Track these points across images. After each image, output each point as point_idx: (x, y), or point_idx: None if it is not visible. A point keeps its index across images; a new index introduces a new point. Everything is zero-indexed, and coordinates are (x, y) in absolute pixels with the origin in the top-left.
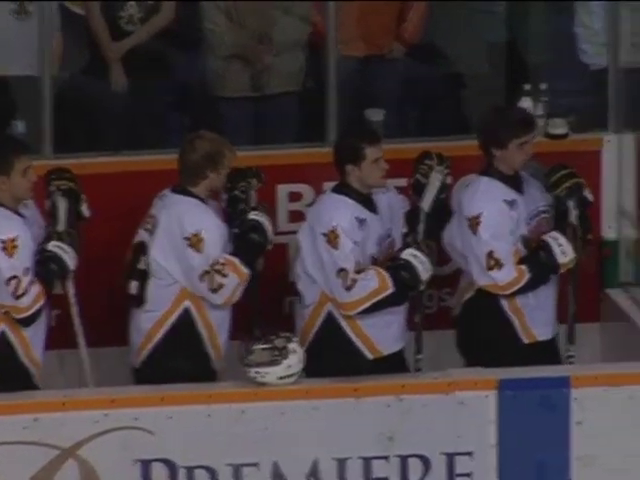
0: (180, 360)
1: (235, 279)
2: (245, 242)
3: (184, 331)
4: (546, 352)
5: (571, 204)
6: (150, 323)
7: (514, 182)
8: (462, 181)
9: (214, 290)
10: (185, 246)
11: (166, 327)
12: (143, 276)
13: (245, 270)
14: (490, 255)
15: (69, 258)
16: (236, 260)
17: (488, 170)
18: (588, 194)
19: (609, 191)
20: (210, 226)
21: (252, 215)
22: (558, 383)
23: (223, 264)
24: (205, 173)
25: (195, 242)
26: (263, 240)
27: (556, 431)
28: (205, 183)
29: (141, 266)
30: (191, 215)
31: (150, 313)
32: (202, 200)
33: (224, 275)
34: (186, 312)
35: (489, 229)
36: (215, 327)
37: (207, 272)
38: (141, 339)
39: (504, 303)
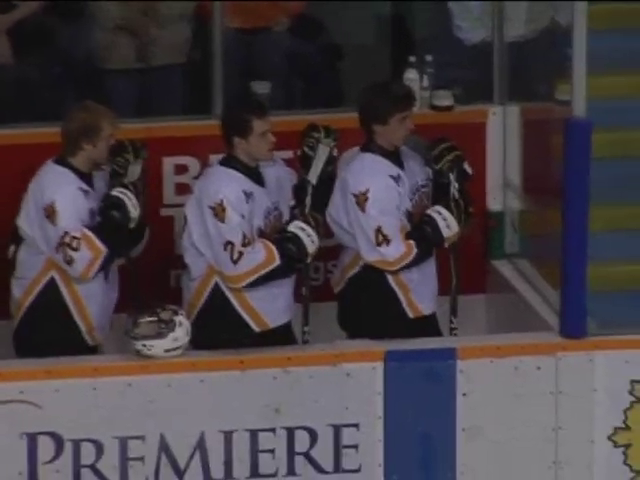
0: (47, 330)
1: (88, 254)
2: (105, 218)
3: (50, 301)
4: (429, 326)
5: (452, 177)
6: (20, 291)
7: (395, 157)
8: (345, 156)
9: (68, 262)
10: (43, 216)
11: (33, 296)
12: (20, 242)
13: (101, 246)
14: (379, 230)
15: None
16: (92, 235)
17: (369, 146)
18: (467, 167)
19: (494, 163)
20: (66, 198)
21: (114, 192)
22: (444, 355)
23: (75, 238)
24: (80, 144)
25: (50, 213)
26: (122, 218)
27: (442, 403)
28: (82, 154)
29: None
30: (51, 186)
31: (20, 280)
32: (77, 171)
33: (74, 249)
34: (52, 282)
35: (377, 205)
36: (83, 299)
37: (60, 244)
38: (14, 307)
39: (389, 278)
